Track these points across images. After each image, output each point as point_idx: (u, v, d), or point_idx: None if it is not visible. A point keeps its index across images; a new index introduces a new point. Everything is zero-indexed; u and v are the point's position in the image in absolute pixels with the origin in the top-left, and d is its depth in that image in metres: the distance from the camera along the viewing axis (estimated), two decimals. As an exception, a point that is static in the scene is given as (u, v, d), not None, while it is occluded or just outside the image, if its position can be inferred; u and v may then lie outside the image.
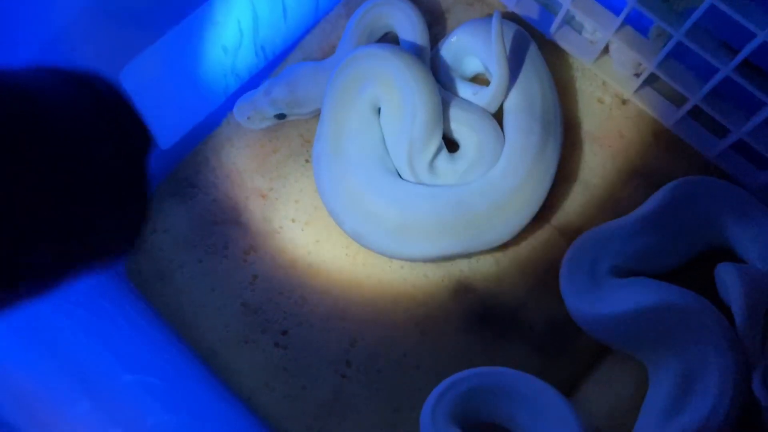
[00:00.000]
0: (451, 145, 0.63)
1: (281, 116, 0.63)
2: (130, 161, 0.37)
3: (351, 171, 0.60)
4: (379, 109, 0.62)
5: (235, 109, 0.63)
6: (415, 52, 0.62)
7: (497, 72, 0.60)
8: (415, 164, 0.60)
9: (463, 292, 0.63)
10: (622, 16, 0.61)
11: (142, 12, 0.53)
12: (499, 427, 0.56)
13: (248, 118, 0.62)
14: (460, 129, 0.62)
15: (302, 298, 0.63)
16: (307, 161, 0.67)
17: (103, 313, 0.52)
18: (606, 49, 0.68)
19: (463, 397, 0.54)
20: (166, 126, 0.63)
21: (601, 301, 0.57)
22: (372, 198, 0.60)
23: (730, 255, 0.59)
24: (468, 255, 0.62)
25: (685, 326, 0.53)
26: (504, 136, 0.62)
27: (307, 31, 0.70)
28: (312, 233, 0.64)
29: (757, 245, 0.57)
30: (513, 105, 0.63)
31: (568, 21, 0.69)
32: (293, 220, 0.65)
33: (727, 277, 0.54)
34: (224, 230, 0.65)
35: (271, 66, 0.70)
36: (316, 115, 0.64)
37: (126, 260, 0.63)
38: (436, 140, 0.60)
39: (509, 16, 0.71)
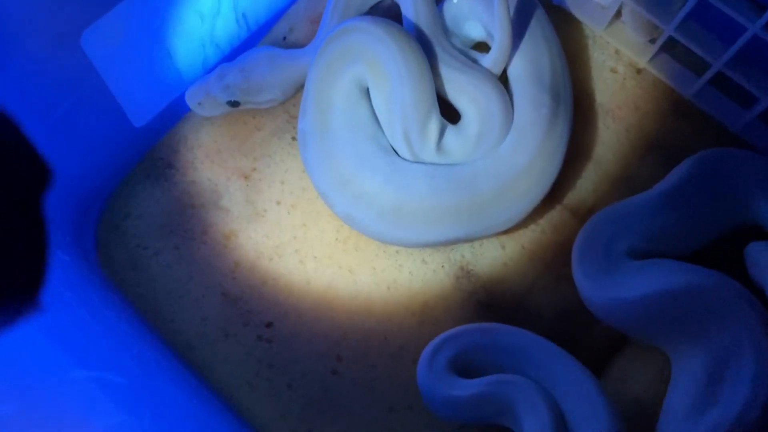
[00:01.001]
0: (453, 115, 0.57)
1: (234, 104, 0.58)
2: (20, 203, 0.32)
3: (340, 149, 0.55)
4: (367, 90, 0.56)
5: (186, 94, 0.58)
6: (422, 27, 0.56)
7: (498, 34, 0.55)
8: (418, 151, 0.55)
9: (464, 278, 0.57)
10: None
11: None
12: None
13: (199, 104, 0.58)
14: (459, 97, 0.56)
15: (288, 287, 0.57)
16: (293, 139, 0.61)
17: (59, 302, 0.47)
18: (618, 14, 0.62)
19: (461, 347, 0.51)
20: (138, 101, 0.58)
21: (618, 285, 0.51)
22: (364, 177, 0.54)
23: (758, 233, 0.54)
24: (471, 240, 0.56)
25: (713, 311, 0.47)
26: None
27: (294, -1, 0.65)
28: (299, 216, 0.59)
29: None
30: (519, 73, 0.57)
31: (575, -18, 0.64)
32: (278, 203, 0.59)
33: (760, 256, 0.49)
34: (203, 214, 0.59)
35: (254, 37, 0.64)
36: (273, 105, 0.60)
37: (94, 249, 0.58)
38: (435, 121, 0.54)
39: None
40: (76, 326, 0.47)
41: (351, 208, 0.55)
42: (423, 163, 0.55)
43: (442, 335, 0.52)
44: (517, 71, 0.57)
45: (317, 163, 0.56)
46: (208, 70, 0.62)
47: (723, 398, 0.46)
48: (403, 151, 0.55)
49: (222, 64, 0.58)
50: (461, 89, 0.55)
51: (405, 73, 0.52)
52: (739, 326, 0.46)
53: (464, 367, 0.51)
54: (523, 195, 0.54)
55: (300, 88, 0.60)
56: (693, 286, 0.48)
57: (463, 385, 0.49)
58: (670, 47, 0.61)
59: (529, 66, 0.57)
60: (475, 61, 0.57)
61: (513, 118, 0.56)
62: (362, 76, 0.55)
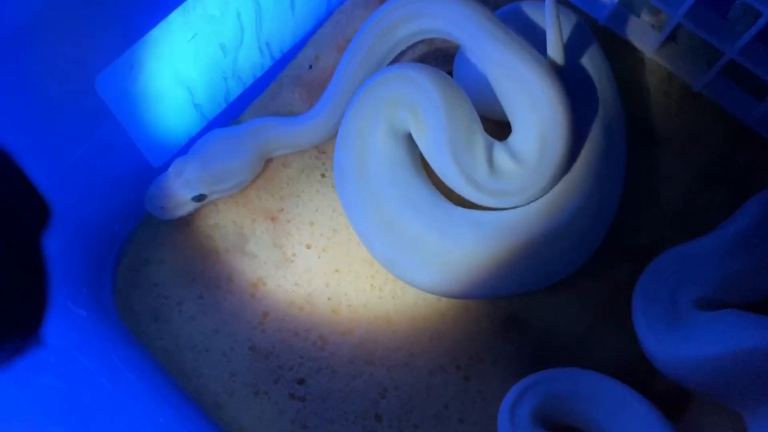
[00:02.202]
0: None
1: (200, 197, 0.53)
2: (20, 241, 0.33)
3: (382, 188, 0.50)
4: (408, 134, 0.52)
5: (145, 199, 0.53)
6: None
7: (550, 35, 0.49)
8: (471, 171, 0.49)
9: (512, 328, 0.53)
10: (696, -7, 0.51)
11: (119, 6, 0.44)
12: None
13: (162, 208, 0.53)
14: (513, 98, 0.49)
15: (321, 338, 0.53)
16: (322, 176, 0.57)
17: (78, 370, 0.43)
18: (673, 35, 0.58)
19: (543, 397, 0.48)
20: (156, 141, 0.54)
21: (687, 340, 0.47)
22: (407, 220, 0.50)
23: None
24: (523, 293, 0.52)
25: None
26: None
27: (319, 24, 0.61)
28: (331, 261, 0.55)
29: None
30: None
31: (626, 3, 0.59)
32: (308, 246, 0.55)
33: None
34: (228, 260, 0.55)
35: (278, 66, 0.60)
36: (242, 188, 0.55)
37: (113, 300, 0.54)
38: (479, 135, 0.49)
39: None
40: (96, 398, 0.43)
41: (391, 251, 0.51)
42: (467, 209, 0.50)
43: (522, 383, 0.49)
44: None
45: (358, 200, 0.51)
46: (231, 104, 0.57)
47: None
48: (457, 178, 0.49)
49: (176, 159, 0.53)
50: (517, 87, 0.49)
51: (443, 114, 0.48)
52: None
53: (548, 417, 0.48)
54: (580, 239, 0.50)
55: (267, 160, 0.56)
56: (769, 345, 0.44)
57: None
58: (728, 70, 0.56)
59: (579, 100, 0.52)
60: None
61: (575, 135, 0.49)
62: (403, 121, 0.50)
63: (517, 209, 0.50)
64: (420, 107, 0.49)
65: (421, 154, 0.53)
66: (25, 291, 0.38)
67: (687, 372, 0.47)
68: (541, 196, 0.50)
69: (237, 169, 0.53)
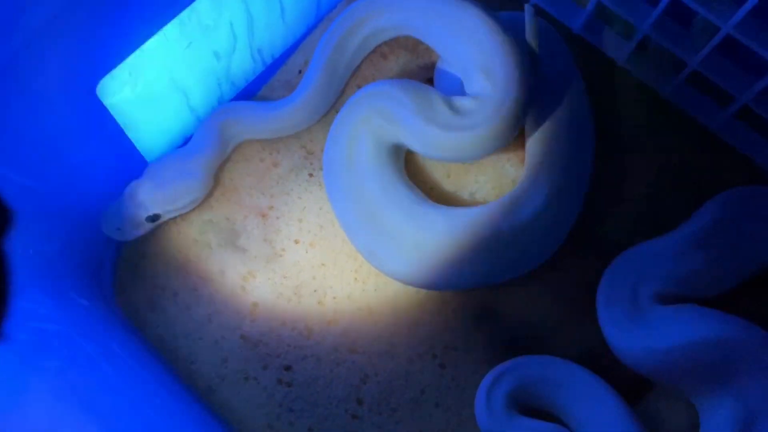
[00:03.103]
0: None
1: (155, 217, 0.55)
2: None
3: (367, 182, 0.54)
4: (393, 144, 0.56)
5: (102, 222, 0.55)
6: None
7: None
8: (435, 119, 0.52)
9: (487, 319, 0.56)
10: (661, 7, 0.54)
11: (118, 18, 0.47)
12: (552, 417, 0.53)
13: (118, 229, 0.55)
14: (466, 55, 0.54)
15: (307, 328, 0.57)
16: (310, 175, 0.60)
17: (83, 357, 0.47)
18: (642, 44, 0.61)
19: (517, 382, 0.51)
20: (153, 142, 0.57)
21: (646, 333, 0.50)
22: (388, 214, 0.54)
23: (789, 276, 0.53)
24: (492, 284, 0.55)
25: (743, 363, 0.47)
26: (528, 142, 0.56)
27: (309, 30, 0.64)
28: (317, 255, 0.58)
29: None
30: (536, 113, 0.56)
31: (599, 14, 0.62)
32: (296, 241, 0.59)
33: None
34: (221, 254, 0.59)
35: (269, 71, 0.63)
36: (196, 205, 0.58)
37: (113, 292, 0.58)
38: (433, 92, 0.54)
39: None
40: (97, 381, 0.47)
41: (372, 242, 0.54)
42: (439, 208, 0.55)
43: (498, 368, 0.52)
44: (533, 111, 0.56)
45: (343, 194, 0.55)
46: (220, 105, 0.61)
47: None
48: (427, 130, 0.52)
49: (131, 183, 0.55)
50: (457, 31, 0.54)
51: (408, 103, 0.53)
52: (769, 378, 0.45)
53: (521, 401, 0.51)
54: (543, 236, 0.53)
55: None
56: (723, 338, 0.47)
57: (525, 425, 0.50)
58: (694, 79, 0.59)
59: (549, 106, 0.56)
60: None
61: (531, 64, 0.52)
62: (387, 133, 0.55)
63: (484, 206, 0.54)
64: (396, 116, 0.53)
65: (403, 159, 0.58)
66: None
67: (646, 362, 0.51)
68: (509, 133, 0.52)
69: (188, 189, 0.56)
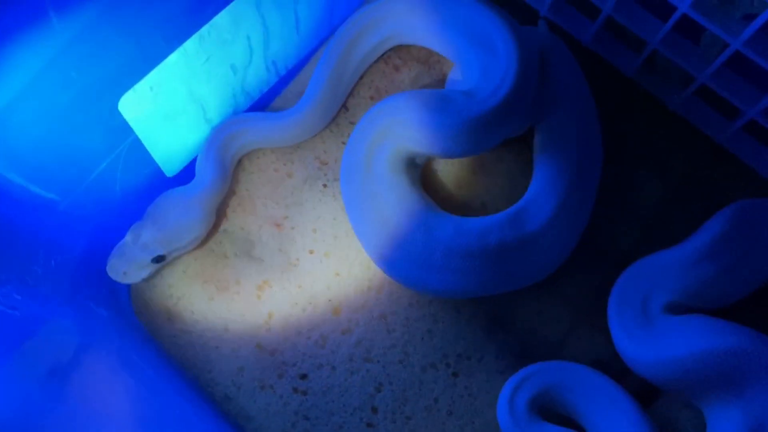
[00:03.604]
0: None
1: (160, 258, 0.56)
2: None
3: (382, 190, 0.55)
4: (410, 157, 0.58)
5: (107, 268, 0.55)
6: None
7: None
8: (446, 107, 0.54)
9: (498, 328, 0.57)
10: (671, 22, 0.55)
11: (141, 35, 0.48)
12: (572, 422, 0.54)
13: (124, 273, 0.55)
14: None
15: (322, 337, 0.58)
16: (324, 186, 0.61)
17: (106, 368, 0.48)
18: (650, 58, 0.62)
19: (539, 387, 0.52)
20: (170, 154, 0.58)
21: (656, 342, 0.51)
22: (400, 221, 0.55)
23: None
24: (497, 293, 0.56)
25: (751, 373, 0.48)
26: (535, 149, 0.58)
27: (321, 42, 0.65)
28: (332, 265, 0.59)
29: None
30: (543, 126, 0.57)
31: (608, 27, 0.63)
32: (311, 252, 0.60)
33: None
34: (236, 264, 0.59)
35: (283, 81, 0.64)
36: (197, 244, 0.58)
37: (129, 301, 0.58)
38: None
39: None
40: (119, 392, 0.48)
41: (384, 248, 0.55)
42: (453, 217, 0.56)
43: (519, 373, 0.53)
44: (543, 126, 0.57)
45: (359, 199, 0.56)
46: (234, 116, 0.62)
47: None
48: (447, 120, 0.53)
49: (133, 225, 0.56)
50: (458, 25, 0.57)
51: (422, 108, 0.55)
52: (778, 389, 0.46)
53: (543, 406, 0.52)
54: (549, 251, 0.54)
55: (218, 209, 0.59)
56: (732, 348, 0.48)
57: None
58: (702, 91, 0.60)
59: (557, 120, 0.57)
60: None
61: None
62: (405, 143, 0.56)
63: (493, 216, 0.55)
64: (413, 121, 0.55)
65: (419, 171, 0.59)
66: None
67: (656, 371, 0.52)
68: (516, 111, 0.54)
69: (190, 227, 0.56)
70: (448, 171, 0.61)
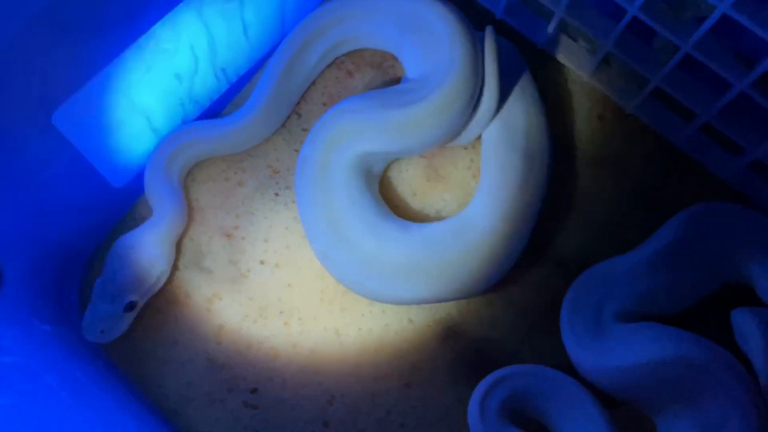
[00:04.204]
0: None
1: (131, 305, 0.53)
2: None
3: (337, 190, 0.54)
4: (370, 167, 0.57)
5: (84, 333, 0.52)
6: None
7: (486, 95, 0.54)
8: (391, 99, 0.55)
9: (452, 338, 0.57)
10: (623, 24, 0.54)
11: (75, 47, 0.47)
12: (542, 426, 0.53)
13: (102, 332, 0.52)
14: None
15: (273, 350, 0.57)
16: (276, 195, 0.60)
17: (44, 389, 0.46)
18: (606, 60, 0.61)
19: (509, 391, 0.51)
20: (116, 164, 0.57)
21: (607, 351, 0.51)
22: (351, 222, 0.54)
23: (749, 293, 0.53)
24: (441, 302, 0.56)
25: (702, 383, 0.47)
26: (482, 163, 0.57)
27: (273, 48, 0.64)
28: (283, 276, 0.58)
29: (780, 286, 0.50)
30: (492, 137, 0.57)
31: (563, 29, 0.62)
32: (262, 262, 0.59)
33: (743, 325, 0.48)
34: (186, 276, 0.58)
35: (235, 88, 0.63)
36: (166, 278, 0.56)
37: (78, 315, 0.57)
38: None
39: (497, 25, 0.64)
40: (59, 414, 0.47)
41: (331, 248, 0.54)
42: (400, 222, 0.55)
43: (491, 377, 0.52)
44: (490, 134, 0.57)
45: (312, 195, 0.55)
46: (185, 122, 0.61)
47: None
48: (392, 114, 0.54)
49: (96, 281, 0.53)
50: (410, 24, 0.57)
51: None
52: (727, 400, 0.46)
53: (514, 411, 0.51)
54: (492, 259, 0.53)
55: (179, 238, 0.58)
56: (683, 356, 0.47)
57: None
58: (658, 93, 0.59)
59: (503, 128, 0.56)
60: None
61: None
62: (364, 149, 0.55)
63: (438, 225, 0.54)
64: (365, 119, 0.54)
65: (377, 179, 0.58)
66: None
67: (608, 380, 0.51)
68: (458, 105, 0.53)
69: (151, 264, 0.54)
70: (402, 179, 0.60)
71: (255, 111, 0.58)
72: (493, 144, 0.56)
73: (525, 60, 0.59)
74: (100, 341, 0.52)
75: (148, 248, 0.54)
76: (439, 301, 0.55)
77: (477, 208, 0.54)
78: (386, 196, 0.59)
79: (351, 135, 0.54)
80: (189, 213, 0.59)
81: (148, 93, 0.54)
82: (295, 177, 0.57)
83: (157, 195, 0.57)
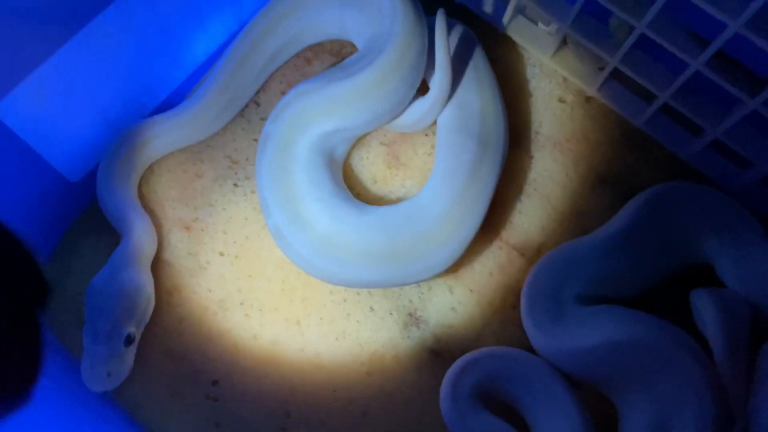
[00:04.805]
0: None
1: (130, 338, 0.50)
2: (21, 314, 0.38)
3: (298, 166, 0.54)
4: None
5: (88, 385, 0.48)
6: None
7: (437, 78, 0.53)
8: (342, 69, 0.55)
9: (413, 325, 0.56)
10: (578, 5, 0.54)
11: (17, 35, 0.46)
12: (513, 408, 0.52)
13: (108, 375, 0.48)
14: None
15: (233, 343, 0.56)
16: (235, 185, 0.60)
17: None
18: (565, 42, 0.61)
19: (481, 374, 0.51)
20: (71, 157, 0.56)
21: (567, 335, 0.50)
22: (307, 201, 0.54)
23: (708, 274, 0.53)
24: (392, 285, 0.55)
25: (658, 363, 0.47)
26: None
27: (232, 36, 0.63)
28: (243, 267, 0.58)
29: (737, 266, 0.50)
30: (446, 121, 0.56)
31: (522, 11, 0.62)
32: (221, 254, 0.58)
33: (701, 306, 0.48)
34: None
35: (193, 79, 0.62)
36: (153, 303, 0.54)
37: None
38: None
39: (456, 9, 0.63)
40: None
41: (285, 224, 0.54)
42: (357, 204, 0.55)
43: (463, 359, 0.52)
44: (444, 119, 0.56)
45: (271, 169, 0.54)
46: (146, 117, 0.60)
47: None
48: (342, 85, 0.54)
49: (83, 330, 0.50)
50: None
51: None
52: (683, 380, 0.46)
53: (486, 394, 0.51)
54: (443, 244, 0.53)
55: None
56: (639, 338, 0.47)
57: (484, 421, 0.49)
58: (618, 75, 0.59)
59: (457, 112, 0.56)
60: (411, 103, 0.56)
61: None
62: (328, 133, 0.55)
63: (391, 208, 0.54)
64: (320, 93, 0.54)
65: (339, 166, 0.58)
66: (23, 357, 0.42)
67: (567, 363, 0.51)
68: (405, 70, 0.53)
69: (136, 291, 0.52)
70: (363, 166, 0.60)
71: (206, 97, 0.57)
72: (447, 128, 0.56)
73: (479, 44, 0.58)
74: (108, 387, 0.49)
75: (127, 276, 0.52)
76: (392, 285, 0.54)
77: (429, 192, 0.54)
78: (348, 184, 0.59)
79: (313, 114, 0.54)
80: (148, 206, 0.59)
81: (98, 83, 0.54)
82: (257, 153, 0.56)
83: (117, 214, 0.55)
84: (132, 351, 0.51)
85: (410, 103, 0.56)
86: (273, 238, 0.56)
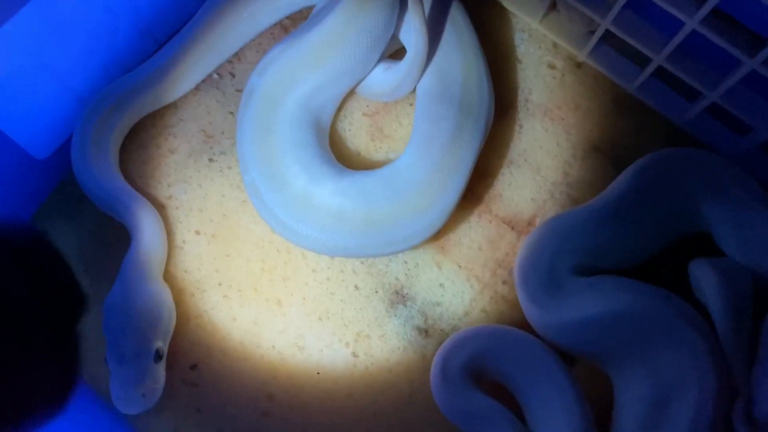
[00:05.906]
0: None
1: (159, 353, 0.48)
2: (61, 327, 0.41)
3: (280, 124, 0.52)
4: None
5: (123, 410, 0.46)
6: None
7: (413, 42, 0.50)
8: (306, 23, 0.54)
9: (400, 303, 0.54)
10: (567, -37, 0.51)
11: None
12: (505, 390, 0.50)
13: (143, 396, 0.46)
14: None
15: (212, 325, 0.54)
16: (210, 160, 0.57)
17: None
18: (554, 5, 0.58)
19: (472, 352, 0.49)
20: (36, 134, 0.53)
21: (562, 306, 0.48)
22: (286, 161, 0.52)
23: (707, 243, 0.50)
24: (369, 256, 0.53)
25: (658, 333, 0.45)
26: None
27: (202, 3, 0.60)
28: (221, 246, 0.55)
29: (737, 233, 0.48)
30: (426, 88, 0.54)
31: (509, -27, 0.59)
32: (198, 232, 0.55)
33: (701, 276, 0.45)
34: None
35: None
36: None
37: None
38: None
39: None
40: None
41: (262, 182, 0.52)
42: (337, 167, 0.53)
43: (453, 337, 0.50)
44: (425, 85, 0.53)
45: (252, 124, 0.52)
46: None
47: (668, 423, 0.43)
48: (306, 37, 0.52)
49: (106, 356, 0.47)
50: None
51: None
52: (684, 350, 0.44)
53: (477, 373, 0.49)
54: (422, 213, 0.51)
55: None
56: (637, 308, 0.45)
57: (475, 400, 0.48)
58: (610, 38, 0.56)
59: (437, 78, 0.53)
60: (388, 68, 0.54)
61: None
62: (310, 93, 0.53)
63: (369, 174, 0.52)
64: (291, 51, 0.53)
65: (325, 133, 0.56)
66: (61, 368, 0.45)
67: (563, 336, 0.49)
68: (368, 22, 0.51)
69: (157, 303, 0.49)
70: (347, 137, 0.57)
71: (173, 52, 0.55)
72: (427, 95, 0.53)
73: (462, 6, 0.55)
74: (144, 408, 0.46)
75: (146, 290, 0.49)
76: (369, 254, 0.52)
77: (407, 159, 0.51)
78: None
79: (299, 66, 0.52)
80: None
81: (60, 53, 0.51)
82: (240, 107, 0.54)
83: (111, 201, 0.52)
84: (162, 366, 0.49)
85: (387, 70, 0.54)
86: (248, 196, 0.53)
